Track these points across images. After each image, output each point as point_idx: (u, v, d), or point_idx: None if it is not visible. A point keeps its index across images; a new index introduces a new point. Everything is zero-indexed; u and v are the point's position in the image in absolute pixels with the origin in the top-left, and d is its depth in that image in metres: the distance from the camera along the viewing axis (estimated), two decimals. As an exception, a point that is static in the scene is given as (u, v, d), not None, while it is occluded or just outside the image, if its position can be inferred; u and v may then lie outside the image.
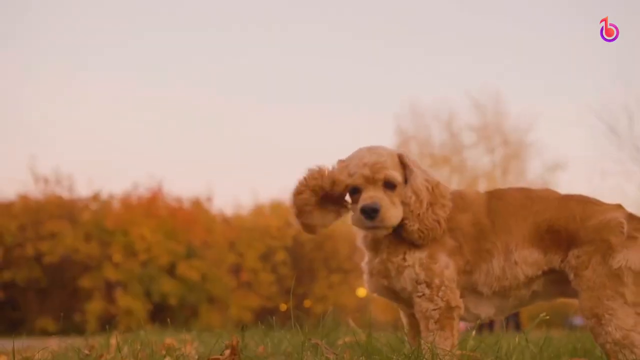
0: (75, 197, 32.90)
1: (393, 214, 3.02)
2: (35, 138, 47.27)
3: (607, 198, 3.26)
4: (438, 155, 34.40)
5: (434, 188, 3.11)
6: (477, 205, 3.18)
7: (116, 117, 50.57)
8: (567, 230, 3.05)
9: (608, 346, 2.91)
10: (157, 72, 51.85)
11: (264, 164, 53.42)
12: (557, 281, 3.14)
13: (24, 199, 31.83)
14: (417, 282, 3.01)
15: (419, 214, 3.06)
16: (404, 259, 3.05)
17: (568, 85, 49.19)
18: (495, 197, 3.22)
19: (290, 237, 35.27)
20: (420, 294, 3.01)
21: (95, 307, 29.01)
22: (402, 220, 3.07)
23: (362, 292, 33.27)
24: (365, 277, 3.26)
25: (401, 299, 3.20)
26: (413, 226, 3.06)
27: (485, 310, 3.16)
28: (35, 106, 48.60)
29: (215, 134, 52.48)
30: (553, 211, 3.10)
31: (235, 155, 52.54)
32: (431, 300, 2.99)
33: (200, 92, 53.77)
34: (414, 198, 3.07)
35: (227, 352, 3.12)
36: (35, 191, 32.37)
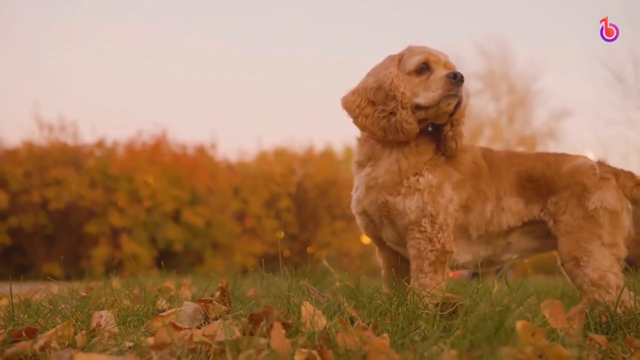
0: (79, 143, 32.87)
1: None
2: (39, 84, 47.13)
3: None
4: (442, 102, 34.15)
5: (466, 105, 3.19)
6: (475, 150, 3.29)
7: (119, 64, 50.34)
8: (545, 177, 3.16)
9: (585, 287, 3.01)
10: (160, 19, 51.39)
11: (268, 111, 53.33)
12: (529, 234, 3.27)
13: (29, 145, 31.79)
14: (423, 214, 3.04)
15: (460, 122, 3.16)
16: (418, 181, 3.08)
17: (575, 32, 48.59)
18: (486, 150, 3.34)
19: (294, 184, 35.38)
20: (422, 229, 3.04)
21: (101, 252, 29.23)
22: (442, 125, 3.14)
23: (366, 239, 33.42)
24: (359, 192, 3.22)
25: (384, 229, 3.23)
26: (449, 133, 3.13)
27: (464, 257, 3.24)
28: (49, 54, 48.23)
29: (219, 80, 52.29)
30: (531, 162, 3.24)
31: (239, 102, 52.42)
32: (430, 240, 3.02)
33: (204, 38, 53.39)
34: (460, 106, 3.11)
35: (217, 293, 3.20)
36: (39, 138, 32.38)
